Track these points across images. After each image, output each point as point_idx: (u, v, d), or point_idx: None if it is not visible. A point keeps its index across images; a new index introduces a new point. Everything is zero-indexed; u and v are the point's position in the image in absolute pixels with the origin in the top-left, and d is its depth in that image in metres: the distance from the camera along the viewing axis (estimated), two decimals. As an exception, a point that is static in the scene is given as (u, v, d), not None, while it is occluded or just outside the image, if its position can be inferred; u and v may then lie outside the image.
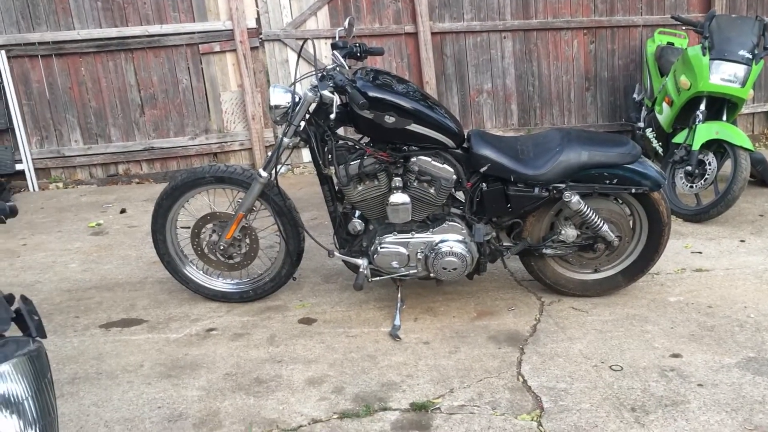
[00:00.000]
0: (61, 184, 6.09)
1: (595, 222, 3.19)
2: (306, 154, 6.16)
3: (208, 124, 6.28)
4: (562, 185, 3.11)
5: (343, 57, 3.16)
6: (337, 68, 3.09)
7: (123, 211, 5.24)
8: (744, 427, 2.34)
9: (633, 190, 3.15)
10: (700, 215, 4.60)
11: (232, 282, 3.53)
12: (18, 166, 5.98)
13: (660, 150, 5.36)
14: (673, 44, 5.89)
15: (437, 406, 2.53)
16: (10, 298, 1.51)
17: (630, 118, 6.17)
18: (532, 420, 2.43)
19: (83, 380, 2.79)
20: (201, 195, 3.41)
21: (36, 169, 6.05)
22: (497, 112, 6.78)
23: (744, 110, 6.92)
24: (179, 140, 6.23)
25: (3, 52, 5.79)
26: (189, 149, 6.26)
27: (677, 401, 2.50)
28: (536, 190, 3.12)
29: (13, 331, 1.42)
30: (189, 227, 3.41)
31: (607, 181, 3.14)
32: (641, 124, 5.76)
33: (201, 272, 3.52)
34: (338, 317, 3.32)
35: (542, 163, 3.10)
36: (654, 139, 5.43)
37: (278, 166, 3.20)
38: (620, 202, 3.31)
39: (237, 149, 6.36)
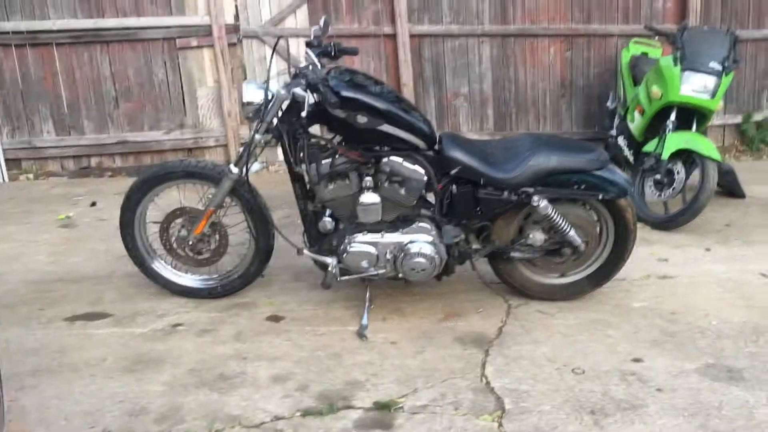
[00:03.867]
0: (31, 176, 6.01)
1: (563, 227, 3.22)
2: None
3: (183, 119, 6.24)
4: (531, 189, 3.14)
5: (317, 56, 3.16)
6: (310, 67, 3.09)
7: (93, 204, 5.19)
8: (699, 432, 2.39)
9: (600, 196, 3.19)
10: (667, 223, 4.66)
11: (201, 278, 3.51)
12: (-12, 156, 5.91)
13: (631, 158, 5.42)
14: (647, 54, 5.96)
15: (400, 406, 2.54)
16: None
17: (604, 125, 6.23)
18: (493, 421, 2.45)
19: (45, 373, 2.76)
20: (171, 190, 3.38)
21: (6, 160, 5.96)
22: (473, 116, 6.82)
23: (715, 122, 7.04)
24: (153, 134, 6.19)
25: (-25, 40, 5.72)
26: (163, 144, 6.21)
27: (636, 405, 2.53)
28: (505, 193, 3.15)
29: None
30: (158, 222, 3.39)
31: (575, 187, 3.17)
32: (614, 132, 5.82)
33: (169, 267, 3.49)
34: (306, 315, 3.32)
35: (512, 167, 3.13)
36: (626, 147, 5.49)
37: (249, 163, 3.19)
38: (588, 207, 3.35)
39: (212, 145, 6.33)
